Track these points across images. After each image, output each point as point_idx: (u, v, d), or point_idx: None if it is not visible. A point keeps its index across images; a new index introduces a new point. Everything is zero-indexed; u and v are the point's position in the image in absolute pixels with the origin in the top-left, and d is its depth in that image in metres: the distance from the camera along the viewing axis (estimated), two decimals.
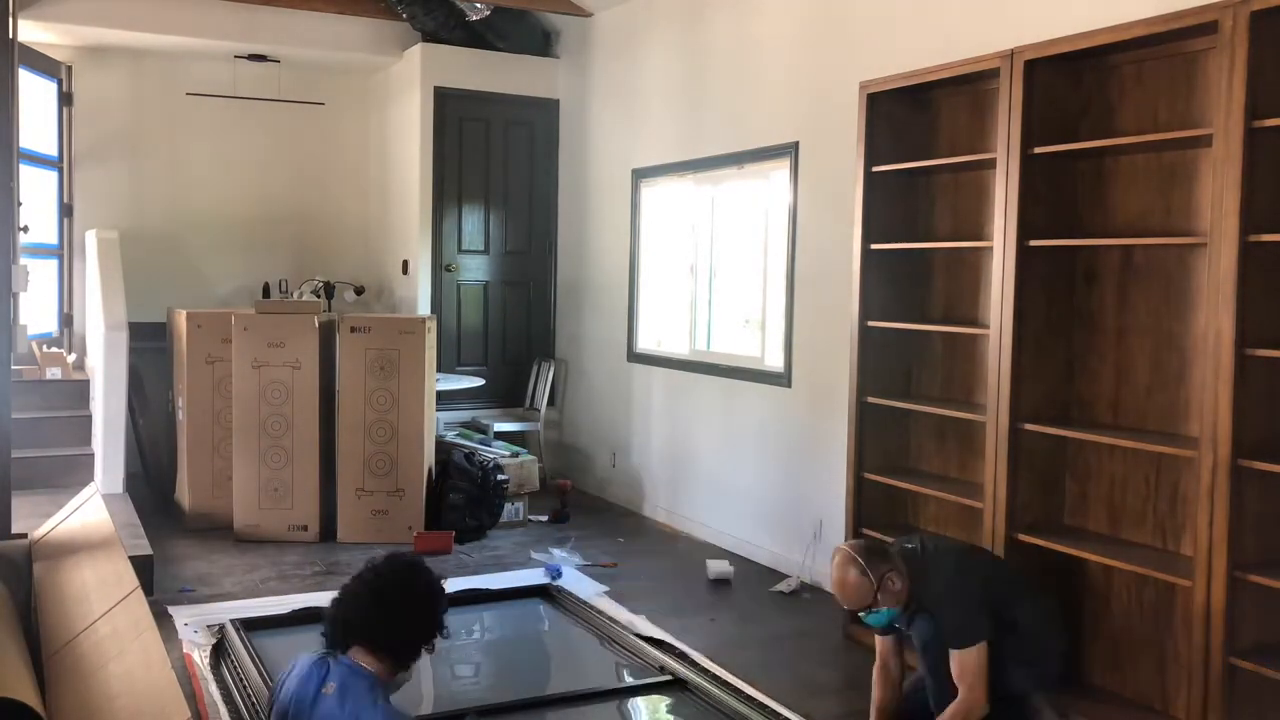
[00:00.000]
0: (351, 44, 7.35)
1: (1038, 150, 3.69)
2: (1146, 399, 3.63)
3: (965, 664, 3.14)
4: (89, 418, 6.25)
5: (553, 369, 7.45)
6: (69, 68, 7.24)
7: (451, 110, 7.34)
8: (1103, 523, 3.75)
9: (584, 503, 6.81)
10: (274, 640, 4.21)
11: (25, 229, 6.28)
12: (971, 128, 4.23)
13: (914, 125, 4.39)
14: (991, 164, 3.91)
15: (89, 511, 4.27)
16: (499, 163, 7.51)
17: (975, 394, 4.21)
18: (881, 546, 3.35)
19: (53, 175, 7.17)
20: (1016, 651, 3.21)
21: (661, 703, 3.87)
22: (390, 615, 2.80)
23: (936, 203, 4.43)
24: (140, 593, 3.23)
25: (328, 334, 5.95)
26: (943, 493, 4.15)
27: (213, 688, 3.77)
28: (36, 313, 6.89)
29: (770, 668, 4.12)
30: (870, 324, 4.40)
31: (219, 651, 4.07)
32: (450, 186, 7.39)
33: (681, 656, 4.10)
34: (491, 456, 6.17)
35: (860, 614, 3.30)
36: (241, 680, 3.77)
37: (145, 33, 6.86)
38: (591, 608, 4.69)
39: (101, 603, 3.30)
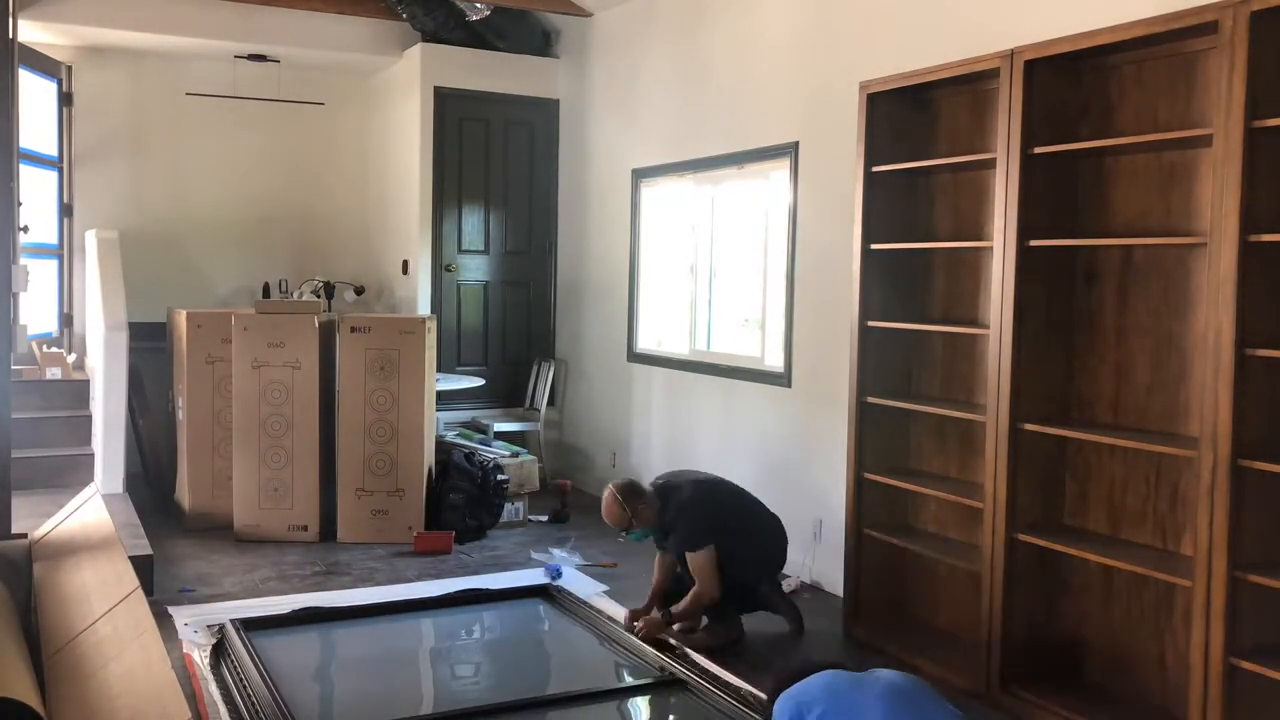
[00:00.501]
0: (351, 44, 7.35)
1: (1038, 150, 3.69)
2: (1146, 399, 3.63)
3: (695, 563, 4.27)
4: (89, 418, 6.25)
5: (553, 369, 7.45)
6: (69, 68, 7.24)
7: (451, 110, 7.33)
8: (1103, 523, 3.75)
9: (584, 503, 6.80)
10: (274, 640, 4.20)
11: (25, 229, 6.28)
12: (971, 128, 4.23)
13: (914, 125, 4.39)
14: (991, 164, 3.91)
15: (89, 511, 4.27)
16: (499, 163, 7.51)
17: (975, 394, 4.21)
18: (638, 486, 4.44)
19: (53, 175, 7.17)
20: (746, 551, 4.37)
21: (661, 703, 3.87)
22: None
23: (936, 203, 4.43)
24: (140, 593, 3.23)
25: (328, 334, 5.95)
26: (943, 493, 4.16)
27: (213, 688, 3.77)
28: (36, 313, 6.89)
29: (770, 668, 4.11)
30: (870, 324, 4.40)
31: (219, 651, 4.07)
32: (450, 186, 7.38)
33: (681, 656, 4.10)
34: (491, 456, 6.17)
35: (622, 533, 4.43)
36: (241, 680, 3.77)
37: (145, 33, 6.86)
38: (591, 608, 4.69)
39: (101, 603, 3.30)
